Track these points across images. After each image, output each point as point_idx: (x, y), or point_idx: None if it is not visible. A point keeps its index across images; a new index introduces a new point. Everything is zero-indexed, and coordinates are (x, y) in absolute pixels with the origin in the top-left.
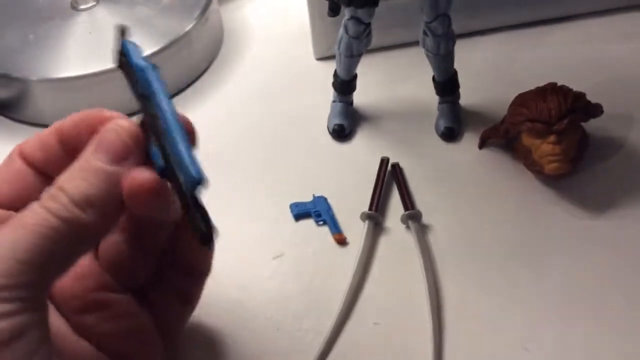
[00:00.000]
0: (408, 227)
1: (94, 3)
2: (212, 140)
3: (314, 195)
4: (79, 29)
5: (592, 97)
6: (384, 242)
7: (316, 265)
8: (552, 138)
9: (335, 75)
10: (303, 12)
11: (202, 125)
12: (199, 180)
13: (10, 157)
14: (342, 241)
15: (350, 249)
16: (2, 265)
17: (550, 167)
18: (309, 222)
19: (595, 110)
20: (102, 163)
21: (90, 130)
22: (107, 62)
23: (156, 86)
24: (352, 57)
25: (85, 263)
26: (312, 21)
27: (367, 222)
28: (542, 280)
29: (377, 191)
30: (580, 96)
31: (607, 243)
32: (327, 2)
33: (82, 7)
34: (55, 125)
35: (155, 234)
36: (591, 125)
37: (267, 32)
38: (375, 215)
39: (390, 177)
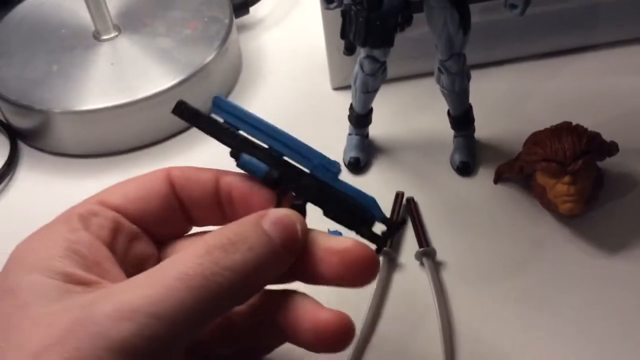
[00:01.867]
0: (422, 264)
1: (116, 33)
2: None
3: (329, 229)
4: (101, 59)
5: (607, 131)
6: (398, 278)
7: (331, 301)
8: (566, 179)
9: (351, 109)
10: (320, 42)
11: (219, 156)
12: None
13: (154, 174)
14: None
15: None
16: (166, 328)
17: (564, 208)
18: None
19: (610, 149)
20: (275, 239)
21: (260, 207)
22: (127, 94)
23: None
24: (368, 92)
25: None
26: (328, 52)
27: (381, 258)
28: (556, 319)
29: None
30: (595, 136)
31: (622, 282)
32: (340, 32)
33: (104, 37)
34: (216, 170)
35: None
36: (606, 162)
37: (284, 62)
38: (390, 251)
39: (405, 211)
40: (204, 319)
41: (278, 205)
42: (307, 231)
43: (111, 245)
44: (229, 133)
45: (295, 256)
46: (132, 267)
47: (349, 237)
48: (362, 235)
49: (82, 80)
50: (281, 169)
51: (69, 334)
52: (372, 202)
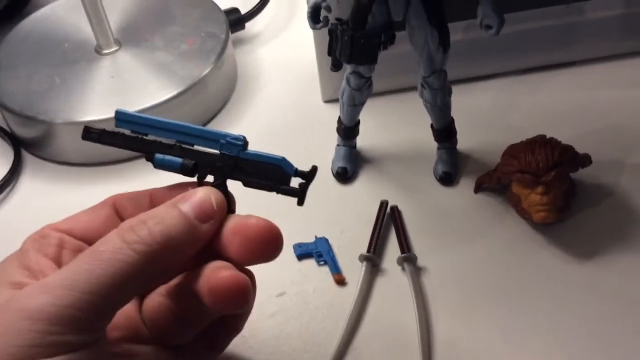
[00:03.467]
0: (404, 269)
1: (117, 48)
2: None
3: (316, 236)
4: (102, 72)
5: (583, 144)
6: (380, 283)
7: (316, 303)
8: (539, 189)
9: (339, 121)
10: (312, 57)
11: None
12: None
13: (103, 202)
14: (341, 281)
15: (348, 289)
16: (79, 296)
17: (538, 217)
18: (311, 262)
19: (583, 161)
20: (188, 213)
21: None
22: (127, 105)
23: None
24: (354, 106)
25: (125, 309)
26: (319, 66)
27: (364, 263)
28: (530, 322)
29: (375, 233)
30: (567, 149)
31: (593, 287)
32: (327, 49)
33: (106, 51)
34: (152, 189)
35: (206, 313)
36: (581, 173)
37: (278, 75)
38: (373, 257)
39: (388, 219)
40: (120, 291)
41: None
42: (223, 203)
43: (57, 258)
44: (138, 140)
45: (214, 226)
46: None
47: (253, 215)
48: (283, 193)
49: (84, 92)
50: (194, 157)
51: None
52: (283, 160)
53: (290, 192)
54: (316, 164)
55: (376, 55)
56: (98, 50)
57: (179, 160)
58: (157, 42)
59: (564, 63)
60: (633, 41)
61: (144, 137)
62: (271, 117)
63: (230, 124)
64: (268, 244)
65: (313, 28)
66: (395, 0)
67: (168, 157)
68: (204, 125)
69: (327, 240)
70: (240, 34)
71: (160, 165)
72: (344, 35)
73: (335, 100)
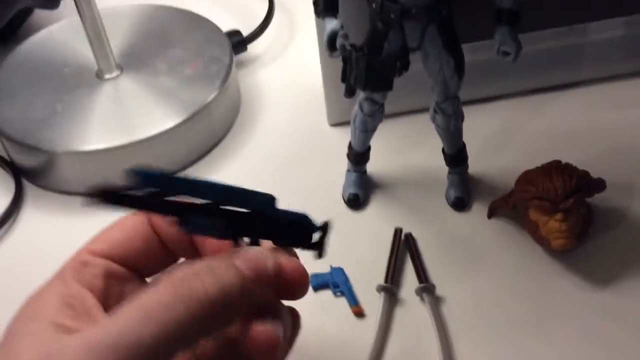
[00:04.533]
0: (422, 299)
1: (119, 72)
2: None
3: (331, 266)
4: (103, 98)
5: (594, 166)
6: (399, 314)
7: (335, 337)
8: (558, 216)
9: (350, 147)
10: (316, 77)
11: None
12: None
13: (135, 215)
14: (359, 313)
15: (367, 321)
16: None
17: (557, 243)
18: (327, 293)
19: (598, 186)
20: (245, 273)
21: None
22: (130, 134)
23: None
24: (366, 132)
25: None
26: (326, 89)
27: (383, 294)
28: (553, 352)
29: (392, 262)
30: (584, 175)
31: (612, 314)
32: (341, 75)
33: (107, 76)
34: None
35: None
36: (594, 197)
37: (282, 98)
38: (391, 287)
39: (404, 247)
40: (168, 348)
41: None
42: (278, 269)
43: (105, 291)
44: (164, 203)
45: (267, 292)
46: None
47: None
48: (308, 248)
49: (86, 119)
50: (227, 218)
51: None
52: (304, 217)
53: (313, 247)
54: (326, 194)
55: (392, 82)
56: (99, 75)
57: (219, 223)
58: (159, 67)
59: (570, 83)
60: (635, 61)
61: (169, 198)
62: (277, 142)
63: (235, 151)
64: (301, 287)
65: (330, 56)
66: (412, 26)
67: (203, 221)
68: (208, 152)
69: (342, 270)
70: (242, 55)
71: (196, 230)
72: (359, 62)
73: (342, 124)
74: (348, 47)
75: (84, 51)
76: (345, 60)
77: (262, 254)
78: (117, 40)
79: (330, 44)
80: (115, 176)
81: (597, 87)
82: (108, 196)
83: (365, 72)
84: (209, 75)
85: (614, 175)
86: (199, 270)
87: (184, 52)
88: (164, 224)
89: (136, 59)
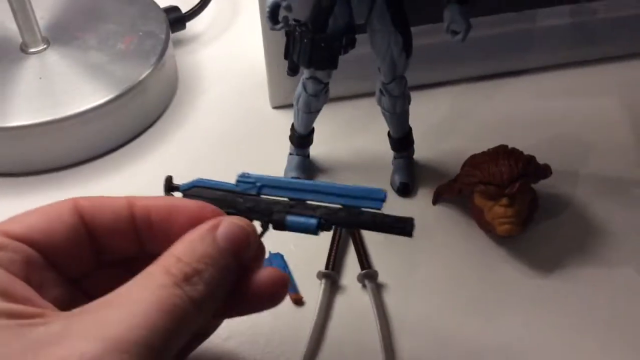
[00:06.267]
0: (364, 286)
1: (45, 46)
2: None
3: (270, 252)
4: (28, 73)
5: (540, 152)
6: (340, 301)
7: (273, 325)
8: (504, 201)
9: (293, 129)
10: (259, 58)
11: (154, 174)
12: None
13: (61, 204)
14: (299, 301)
15: (307, 309)
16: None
17: (502, 229)
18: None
19: (544, 172)
20: (231, 261)
21: (187, 222)
22: (56, 110)
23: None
24: (310, 113)
25: None
26: (268, 70)
27: (323, 281)
28: (497, 339)
29: (334, 249)
30: (530, 160)
31: (556, 301)
32: (284, 52)
33: (32, 50)
34: (130, 197)
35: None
36: (539, 184)
37: (222, 79)
38: (332, 274)
39: (346, 233)
40: (179, 342)
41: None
42: (259, 241)
43: (26, 280)
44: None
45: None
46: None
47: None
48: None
49: (8, 95)
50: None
51: None
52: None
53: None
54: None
55: (337, 59)
56: (24, 49)
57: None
58: (89, 41)
59: (518, 70)
60: (582, 49)
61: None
62: (216, 124)
63: (172, 131)
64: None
65: (272, 29)
66: (359, 1)
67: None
68: (142, 132)
69: (282, 257)
70: (180, 34)
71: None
72: (303, 38)
73: (285, 106)
74: (291, 21)
75: (7, 23)
76: (288, 36)
77: (242, 227)
78: (43, 11)
79: (273, 15)
80: (38, 156)
81: (545, 74)
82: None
83: (309, 48)
84: (143, 51)
85: (560, 162)
86: (196, 266)
87: (116, 27)
88: (100, 211)
89: (64, 32)
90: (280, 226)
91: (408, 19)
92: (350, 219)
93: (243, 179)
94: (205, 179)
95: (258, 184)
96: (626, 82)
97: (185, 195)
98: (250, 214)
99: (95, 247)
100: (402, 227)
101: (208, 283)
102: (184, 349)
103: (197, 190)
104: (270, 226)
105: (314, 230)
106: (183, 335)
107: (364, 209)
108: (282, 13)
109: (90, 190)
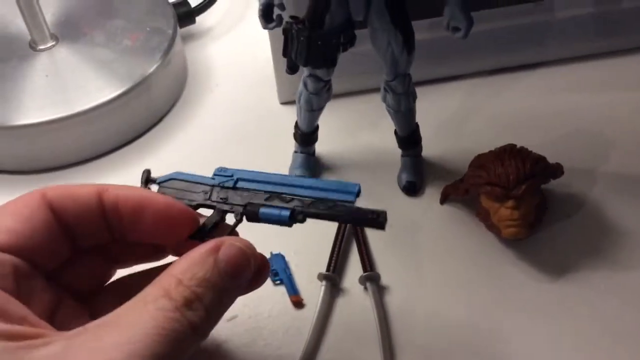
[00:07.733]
0: (366, 289)
1: (53, 43)
2: None
3: (271, 252)
4: (37, 70)
5: (552, 151)
6: (341, 304)
7: (272, 328)
8: (510, 203)
9: (297, 126)
10: (268, 54)
11: (161, 170)
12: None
13: (30, 198)
14: (298, 303)
15: (306, 311)
16: None
17: (507, 232)
18: (266, 282)
19: (555, 171)
20: (231, 285)
21: (155, 216)
22: (64, 107)
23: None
24: (312, 111)
25: None
26: (276, 66)
27: (324, 283)
28: (504, 344)
29: (335, 251)
30: (539, 160)
31: (565, 305)
32: (282, 50)
33: (41, 47)
34: (99, 186)
35: None
36: (551, 183)
37: (232, 74)
38: (333, 276)
39: (350, 233)
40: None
41: None
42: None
43: (16, 293)
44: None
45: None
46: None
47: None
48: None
49: (17, 92)
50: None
51: None
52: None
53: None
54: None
55: (335, 57)
56: (32, 46)
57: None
58: (97, 38)
59: (532, 64)
60: (603, 41)
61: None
62: (224, 120)
63: (179, 128)
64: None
65: (265, 28)
66: None
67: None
68: (150, 128)
69: (283, 257)
70: (190, 28)
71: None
72: (299, 36)
73: (293, 102)
74: (288, 19)
75: (16, 21)
76: (285, 34)
77: (243, 252)
78: (51, 8)
79: (266, 14)
80: (47, 153)
81: (559, 68)
82: None
83: (306, 47)
84: (150, 48)
85: (575, 160)
86: (197, 292)
87: (124, 23)
88: (69, 200)
89: (72, 29)
90: (254, 218)
91: (409, 15)
92: (323, 211)
93: (220, 172)
94: (184, 173)
95: (235, 177)
96: None
97: (160, 187)
98: (223, 205)
99: (70, 235)
100: (375, 218)
101: (208, 308)
102: None
103: (171, 182)
104: (244, 218)
105: (286, 222)
106: (181, 359)
107: (338, 202)
108: (276, 11)
109: None
